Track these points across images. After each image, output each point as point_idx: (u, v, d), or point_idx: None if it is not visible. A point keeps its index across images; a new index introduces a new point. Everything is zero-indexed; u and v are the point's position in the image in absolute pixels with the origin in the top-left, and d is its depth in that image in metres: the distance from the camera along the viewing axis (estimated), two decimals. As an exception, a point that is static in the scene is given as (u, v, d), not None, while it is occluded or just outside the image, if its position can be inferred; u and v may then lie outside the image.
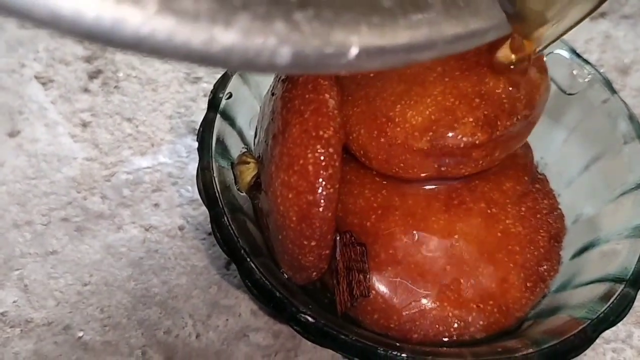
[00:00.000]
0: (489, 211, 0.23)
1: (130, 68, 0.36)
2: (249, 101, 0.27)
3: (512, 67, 0.21)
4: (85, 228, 0.30)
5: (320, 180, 0.20)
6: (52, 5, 0.10)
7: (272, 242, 0.23)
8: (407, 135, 0.22)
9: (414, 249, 0.23)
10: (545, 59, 0.23)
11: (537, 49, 0.20)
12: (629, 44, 0.39)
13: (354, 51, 0.13)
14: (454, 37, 0.15)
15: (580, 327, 0.20)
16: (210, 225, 0.23)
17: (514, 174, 0.25)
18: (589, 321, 0.20)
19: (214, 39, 0.11)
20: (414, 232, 0.23)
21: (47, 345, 0.26)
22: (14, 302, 0.27)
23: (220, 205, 0.23)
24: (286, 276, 0.23)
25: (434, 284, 0.22)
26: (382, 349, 0.19)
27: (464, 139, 0.21)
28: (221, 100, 0.25)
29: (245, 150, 0.26)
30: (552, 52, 0.27)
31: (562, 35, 0.19)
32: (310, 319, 0.20)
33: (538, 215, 0.24)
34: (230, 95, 0.26)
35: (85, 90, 0.35)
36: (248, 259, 0.21)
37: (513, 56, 0.20)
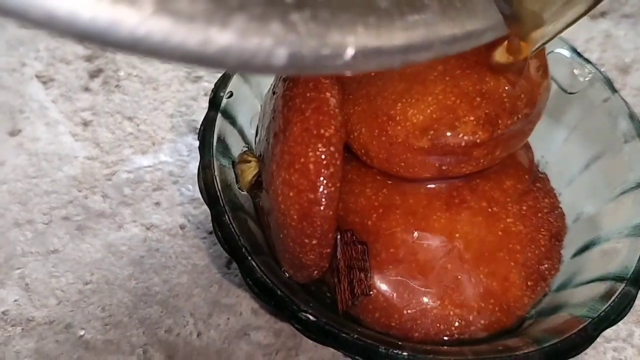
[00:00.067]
0: (489, 210, 0.23)
1: (131, 67, 0.36)
2: (250, 100, 0.27)
3: (508, 67, 0.21)
4: (86, 227, 0.30)
5: (322, 178, 0.20)
6: (48, 6, 0.10)
7: (273, 240, 0.23)
8: (408, 133, 0.22)
9: (415, 247, 0.23)
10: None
11: (533, 50, 0.20)
12: (630, 43, 0.39)
13: (350, 52, 0.13)
14: (451, 38, 0.15)
15: (581, 326, 0.20)
16: (211, 224, 0.23)
17: (515, 172, 0.25)
18: (590, 320, 0.20)
19: (210, 40, 0.11)
20: (415, 230, 0.23)
21: (49, 344, 0.26)
22: (15, 301, 0.27)
23: (222, 204, 0.23)
24: (287, 275, 0.23)
25: (435, 283, 0.22)
26: (383, 348, 0.19)
27: (465, 137, 0.21)
28: (222, 99, 0.25)
29: (247, 148, 0.26)
30: (553, 51, 0.27)
31: (556, 35, 0.19)
32: (311, 317, 0.20)
33: (539, 214, 0.24)
34: (231, 94, 0.26)
35: (86, 89, 0.35)
36: (249, 258, 0.22)
37: (510, 57, 0.20)
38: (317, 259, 0.22)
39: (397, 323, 0.22)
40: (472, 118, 0.21)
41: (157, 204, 0.31)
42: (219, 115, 0.25)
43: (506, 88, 0.22)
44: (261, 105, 0.26)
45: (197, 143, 0.25)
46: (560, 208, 0.25)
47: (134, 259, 0.29)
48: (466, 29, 0.15)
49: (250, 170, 0.24)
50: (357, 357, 0.20)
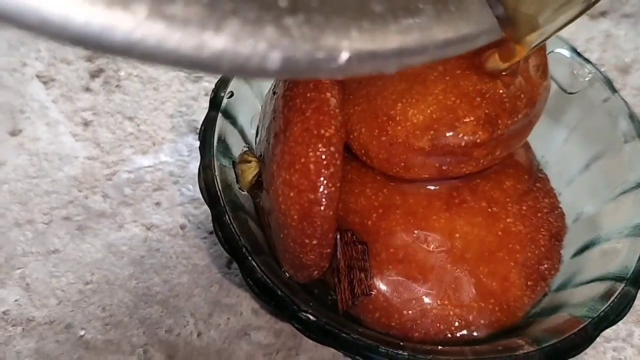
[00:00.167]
0: (489, 210, 0.23)
1: (132, 67, 0.36)
2: (251, 100, 0.27)
3: (503, 71, 0.21)
4: (86, 227, 0.30)
5: (322, 178, 0.20)
6: (41, 10, 0.10)
7: (274, 240, 0.23)
8: (408, 134, 0.22)
9: (415, 247, 0.23)
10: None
11: (527, 53, 0.20)
12: (630, 43, 0.39)
13: (344, 56, 0.13)
14: (445, 42, 0.15)
15: (581, 326, 0.20)
16: (211, 224, 0.23)
17: (515, 173, 0.25)
18: (590, 320, 0.20)
19: (204, 45, 0.11)
20: (415, 230, 0.23)
21: (49, 344, 0.26)
22: (16, 300, 0.27)
23: (222, 204, 0.23)
24: (287, 275, 0.23)
25: (435, 283, 0.22)
26: (383, 348, 0.20)
27: (465, 137, 0.21)
28: (223, 99, 0.25)
29: (247, 149, 0.26)
30: (553, 51, 0.27)
31: (550, 36, 0.19)
32: (311, 317, 0.20)
33: (539, 214, 0.24)
34: (232, 94, 0.26)
35: (87, 89, 0.35)
36: (249, 258, 0.22)
37: (503, 63, 0.20)
38: (318, 259, 0.22)
39: (397, 323, 0.22)
40: (472, 118, 0.21)
41: (158, 204, 0.31)
42: (220, 115, 0.25)
43: (506, 89, 0.22)
44: (262, 106, 0.26)
45: (197, 143, 0.25)
46: (560, 208, 0.25)
47: (134, 259, 0.29)
48: (461, 33, 0.15)
49: (250, 171, 0.24)
50: (357, 357, 0.20)
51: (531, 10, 0.18)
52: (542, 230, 0.24)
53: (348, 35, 0.13)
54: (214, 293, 0.28)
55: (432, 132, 0.22)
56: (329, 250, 0.22)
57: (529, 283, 0.23)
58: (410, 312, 0.22)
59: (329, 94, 0.21)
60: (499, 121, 0.22)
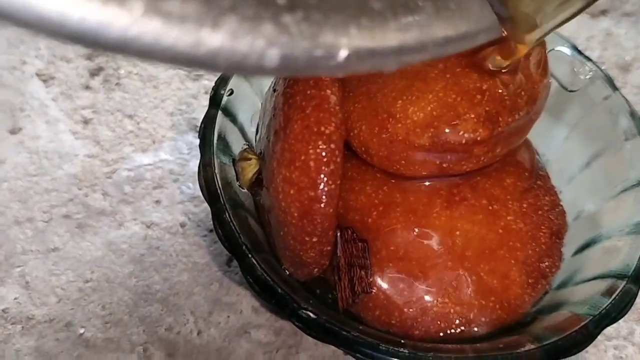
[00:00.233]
0: (490, 208, 0.23)
1: (132, 65, 0.36)
2: (251, 98, 0.27)
3: (503, 69, 0.21)
4: (86, 225, 0.30)
5: (322, 176, 0.20)
6: (38, 7, 0.10)
7: (274, 238, 0.23)
8: (408, 131, 0.22)
9: (415, 245, 0.23)
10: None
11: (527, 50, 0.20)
12: (630, 41, 0.39)
13: (343, 53, 0.13)
14: (445, 40, 0.15)
15: (582, 324, 0.20)
16: (211, 222, 0.23)
17: (515, 170, 0.25)
18: (591, 317, 0.20)
19: (201, 42, 0.11)
20: (416, 228, 0.23)
21: (49, 342, 0.26)
22: (15, 299, 0.27)
23: (222, 202, 0.23)
24: (287, 272, 0.23)
25: (436, 281, 0.22)
26: (384, 345, 0.19)
27: (466, 135, 0.21)
28: (222, 96, 0.25)
29: (247, 146, 0.26)
30: (554, 48, 0.27)
31: (548, 33, 0.19)
32: (312, 315, 0.20)
33: (539, 212, 0.24)
34: (232, 92, 0.26)
35: (87, 87, 0.35)
36: (249, 255, 0.21)
37: (503, 61, 0.20)
38: (318, 257, 0.22)
39: (397, 321, 0.22)
40: (472, 115, 0.21)
41: (158, 202, 0.31)
42: (220, 112, 0.25)
43: (506, 86, 0.22)
44: (262, 103, 0.26)
45: (197, 141, 0.25)
46: (561, 206, 0.25)
47: (134, 257, 0.29)
48: (460, 31, 0.15)
49: (250, 168, 0.24)
50: (357, 355, 0.20)
51: (531, 9, 0.18)
52: (542, 228, 0.24)
53: (347, 32, 0.13)
54: (214, 291, 0.28)
55: (432, 129, 0.21)
56: (329, 248, 0.22)
57: (529, 281, 0.23)
58: (410, 309, 0.22)
59: (329, 91, 0.21)
60: (500, 118, 0.22)
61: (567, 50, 0.28)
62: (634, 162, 0.25)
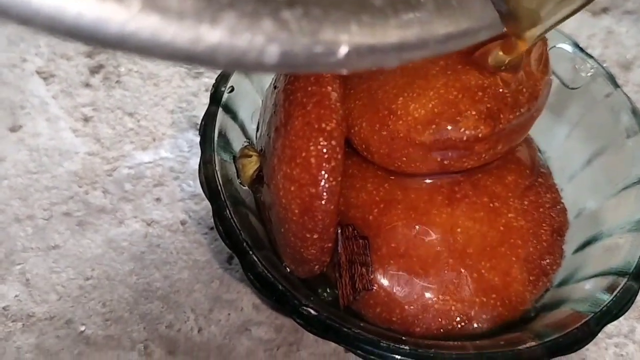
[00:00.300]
0: (491, 205, 0.23)
1: (132, 63, 0.36)
2: (251, 95, 0.27)
3: (505, 65, 0.21)
4: (87, 222, 0.30)
5: (323, 172, 0.20)
6: (34, 2, 0.10)
7: (275, 235, 0.23)
8: (409, 128, 0.22)
9: (416, 242, 0.23)
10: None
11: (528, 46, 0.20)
12: (632, 39, 0.39)
13: (343, 50, 0.12)
14: (446, 37, 0.15)
15: (583, 321, 0.20)
16: (212, 220, 0.23)
17: (517, 168, 0.25)
18: (592, 314, 0.20)
19: (200, 38, 0.11)
20: (417, 225, 0.23)
21: (49, 339, 0.26)
22: (16, 296, 0.27)
23: (223, 199, 0.23)
24: (288, 270, 0.23)
25: (437, 278, 0.22)
26: (384, 342, 0.19)
27: (467, 132, 0.21)
28: (223, 93, 0.25)
29: (248, 143, 0.26)
30: (555, 46, 0.27)
31: (550, 29, 0.19)
32: (313, 312, 0.20)
33: (540, 209, 0.24)
34: (232, 89, 0.25)
35: (87, 85, 0.35)
36: (250, 252, 0.21)
37: (505, 57, 0.20)
38: (319, 254, 0.22)
39: (398, 318, 0.22)
40: (473, 112, 0.21)
41: (158, 199, 0.31)
42: (220, 110, 0.25)
43: (508, 83, 0.22)
44: (262, 100, 0.26)
45: (197, 139, 0.25)
46: (562, 203, 0.25)
47: (134, 254, 0.29)
48: (462, 27, 0.15)
49: (251, 165, 0.24)
50: (358, 352, 0.20)
51: (533, 5, 0.18)
52: (544, 225, 0.24)
53: (347, 29, 0.12)
54: (214, 289, 0.28)
55: (433, 126, 0.21)
56: (330, 245, 0.22)
57: (530, 278, 0.23)
58: (411, 307, 0.22)
59: (330, 88, 0.21)
60: (501, 115, 0.22)
61: (568, 48, 0.27)
62: (635, 159, 0.24)
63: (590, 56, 0.27)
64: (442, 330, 0.22)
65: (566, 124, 0.28)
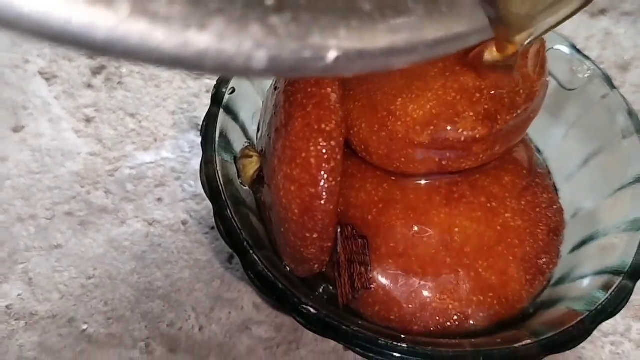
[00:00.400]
0: (489, 205, 0.24)
1: (134, 64, 0.36)
2: (252, 96, 0.27)
3: (499, 64, 0.21)
4: (89, 222, 0.30)
5: (323, 172, 0.21)
6: (18, 7, 0.10)
7: (275, 235, 0.24)
8: (408, 129, 0.22)
9: (414, 242, 0.23)
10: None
11: (519, 50, 0.20)
12: (629, 40, 0.39)
13: (332, 55, 0.12)
14: (435, 42, 0.15)
15: (579, 319, 0.20)
16: (213, 220, 0.23)
17: (514, 168, 0.25)
18: (588, 313, 0.21)
19: (188, 43, 0.11)
20: (415, 225, 0.23)
21: (52, 337, 0.27)
22: (19, 295, 0.28)
23: (224, 198, 0.23)
24: (288, 269, 0.23)
25: (435, 277, 0.23)
26: (383, 340, 0.20)
27: (465, 133, 0.22)
28: (224, 95, 0.25)
29: (248, 144, 0.26)
30: (552, 47, 0.27)
31: (543, 34, 0.19)
32: (312, 310, 0.20)
33: (537, 209, 0.24)
34: (234, 90, 0.26)
35: (89, 86, 0.35)
36: (251, 252, 0.22)
37: (499, 55, 0.20)
38: (318, 253, 0.22)
39: (396, 316, 0.22)
40: (471, 113, 0.22)
41: (160, 199, 0.31)
42: (221, 111, 0.25)
43: (505, 85, 0.22)
44: (263, 101, 0.26)
45: (198, 140, 0.25)
46: (559, 203, 0.26)
47: (136, 254, 0.29)
48: (452, 32, 0.15)
49: (252, 165, 0.24)
50: (357, 349, 0.20)
51: (522, 10, 0.18)
52: (540, 225, 0.24)
53: (336, 34, 0.12)
54: (215, 288, 0.28)
55: (432, 127, 0.22)
56: (329, 244, 0.22)
57: (527, 277, 0.23)
58: (409, 305, 0.22)
59: (329, 89, 0.21)
60: (498, 117, 0.22)
61: (565, 49, 0.28)
62: (631, 159, 0.25)
63: (588, 58, 0.28)
64: (440, 328, 0.22)
65: (563, 125, 0.28)
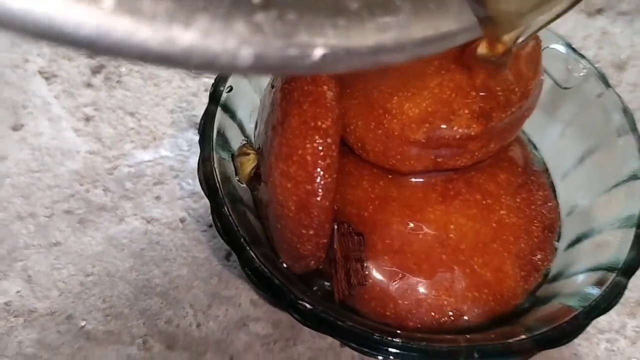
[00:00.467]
0: (484, 202, 0.24)
1: (133, 63, 0.36)
2: (249, 94, 0.27)
3: (492, 61, 0.21)
4: (88, 220, 0.30)
5: (319, 170, 0.21)
6: (7, 3, 0.10)
7: (272, 232, 0.24)
8: (404, 126, 0.22)
9: (410, 238, 0.23)
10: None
11: (510, 48, 0.20)
12: (626, 40, 0.39)
13: (318, 53, 0.12)
14: (423, 40, 0.15)
15: (573, 314, 0.21)
16: (210, 218, 0.23)
17: (509, 166, 0.25)
18: (581, 309, 0.21)
19: (172, 40, 0.11)
20: (411, 222, 0.23)
21: (51, 334, 0.27)
22: (18, 292, 0.28)
23: (221, 196, 0.23)
24: (285, 265, 0.24)
25: (430, 273, 0.23)
26: (378, 335, 0.20)
27: (460, 130, 0.22)
28: (222, 93, 0.26)
29: (246, 142, 0.26)
30: (548, 46, 0.28)
31: (534, 33, 0.19)
32: (308, 306, 0.21)
33: (532, 206, 0.24)
34: (231, 89, 0.26)
35: (88, 85, 0.35)
36: (248, 248, 0.22)
37: (491, 51, 0.20)
38: (314, 250, 0.22)
39: (392, 312, 0.23)
40: (466, 111, 0.22)
41: (158, 197, 0.31)
42: (219, 109, 0.25)
43: (500, 83, 0.22)
44: (260, 100, 0.27)
45: (197, 138, 0.25)
46: (554, 201, 0.26)
47: (134, 251, 0.29)
48: (440, 31, 0.15)
49: (249, 163, 0.25)
50: (352, 344, 0.20)
51: (510, 9, 0.18)
52: (535, 222, 0.24)
53: (322, 32, 0.12)
54: (213, 285, 0.28)
55: (427, 125, 0.22)
56: (325, 241, 0.22)
57: (522, 273, 0.23)
58: (405, 301, 0.23)
59: (326, 87, 0.21)
60: (493, 114, 0.22)
61: (561, 48, 0.28)
62: (626, 157, 0.25)
63: (583, 56, 0.28)
64: (435, 324, 0.23)
65: (559, 123, 0.28)
